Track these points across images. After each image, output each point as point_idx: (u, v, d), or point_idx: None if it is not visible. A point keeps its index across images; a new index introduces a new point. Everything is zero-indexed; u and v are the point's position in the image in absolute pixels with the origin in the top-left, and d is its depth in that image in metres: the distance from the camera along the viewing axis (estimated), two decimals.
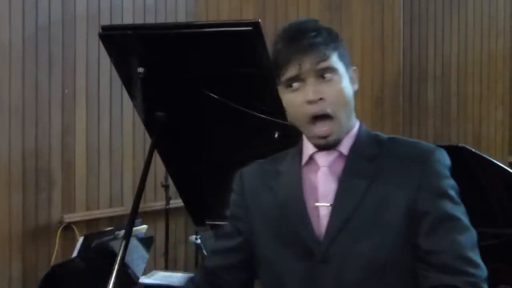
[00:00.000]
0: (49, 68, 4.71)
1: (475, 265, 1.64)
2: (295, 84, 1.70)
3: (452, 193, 1.70)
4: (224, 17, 6.07)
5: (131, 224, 2.52)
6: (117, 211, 5.10)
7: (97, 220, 4.97)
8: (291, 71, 1.68)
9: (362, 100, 6.01)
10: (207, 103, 2.65)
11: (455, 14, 7.48)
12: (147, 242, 3.23)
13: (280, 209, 1.80)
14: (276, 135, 2.53)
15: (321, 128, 1.68)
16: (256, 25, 2.41)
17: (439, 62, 7.02)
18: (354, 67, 1.80)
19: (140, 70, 2.58)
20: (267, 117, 2.62)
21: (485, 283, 1.64)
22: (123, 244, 2.47)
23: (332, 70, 1.69)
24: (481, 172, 2.90)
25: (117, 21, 5.00)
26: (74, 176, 4.85)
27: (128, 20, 5.21)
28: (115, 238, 2.86)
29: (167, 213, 5.06)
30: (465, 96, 7.34)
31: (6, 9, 4.47)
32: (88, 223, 4.90)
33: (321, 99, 1.67)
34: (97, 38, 4.75)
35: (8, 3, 4.49)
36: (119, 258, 2.41)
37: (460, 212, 1.69)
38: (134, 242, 2.95)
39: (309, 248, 1.72)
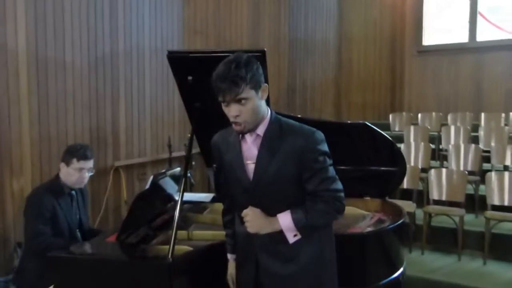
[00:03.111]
0: (104, 81, 4.28)
1: (335, 192, 1.62)
2: (224, 103, 1.56)
3: (321, 158, 1.59)
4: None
5: (186, 168, 2.20)
6: (143, 160, 4.58)
7: (132, 165, 4.48)
8: (219, 98, 1.55)
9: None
10: None
11: None
12: (178, 177, 2.86)
13: (230, 165, 1.68)
14: None
15: (237, 127, 1.58)
16: (263, 52, 2.06)
17: (301, 81, 6.76)
18: (265, 84, 1.59)
19: (189, 78, 2.19)
20: None
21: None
22: (183, 180, 2.14)
23: (245, 98, 1.52)
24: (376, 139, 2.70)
25: (139, 56, 4.52)
26: (119, 141, 4.41)
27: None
28: (165, 176, 2.49)
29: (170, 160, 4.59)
30: (313, 100, 7.13)
31: (77, 42, 3.99)
32: (128, 166, 4.43)
33: (238, 115, 1.54)
34: (131, 63, 4.38)
35: (78, 37, 4.01)
36: (182, 187, 2.08)
37: (326, 169, 1.61)
38: (167, 178, 2.60)
39: (245, 187, 1.64)
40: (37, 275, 2.36)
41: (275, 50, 5.61)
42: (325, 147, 1.60)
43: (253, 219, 1.59)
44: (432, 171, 4.15)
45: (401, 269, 2.50)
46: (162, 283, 1.75)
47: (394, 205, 2.87)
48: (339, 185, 1.62)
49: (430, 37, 7.56)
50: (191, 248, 2.08)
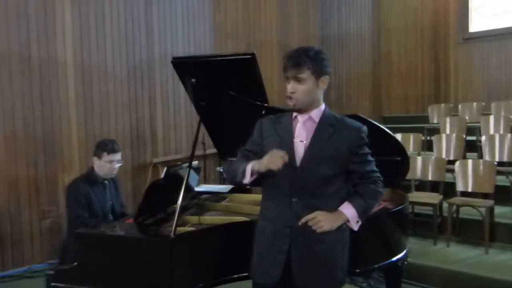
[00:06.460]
0: (142, 84, 4.73)
1: (377, 173, 1.87)
2: (287, 80, 1.77)
3: (366, 148, 1.84)
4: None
5: (191, 160, 2.47)
6: (179, 156, 4.96)
7: (169, 161, 4.91)
8: (284, 74, 1.78)
9: None
10: (227, 97, 2.57)
11: None
12: (197, 170, 3.19)
13: (279, 140, 1.82)
14: (263, 112, 2.46)
15: (290, 102, 1.78)
16: (253, 54, 2.32)
17: (336, 77, 6.80)
18: (326, 76, 1.79)
19: (193, 80, 2.48)
20: (258, 103, 2.53)
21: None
22: (188, 171, 2.41)
23: (303, 79, 1.73)
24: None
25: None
26: (157, 139, 4.87)
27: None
28: (181, 168, 2.81)
29: (204, 156, 4.94)
30: (349, 95, 7.14)
31: (117, 51, 4.49)
32: (166, 162, 4.82)
33: (293, 92, 1.75)
34: (166, 67, 4.81)
35: (118, 46, 4.50)
36: (186, 177, 2.36)
37: (369, 155, 1.86)
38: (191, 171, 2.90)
39: (290, 162, 1.74)
40: None
41: None
42: (366, 140, 1.84)
43: (324, 218, 1.74)
44: (458, 163, 4.13)
45: (400, 255, 2.63)
46: (163, 258, 2.06)
47: (401, 194, 2.99)
48: (375, 167, 1.87)
49: (477, 23, 7.29)
50: None
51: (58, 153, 4.06)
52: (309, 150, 1.77)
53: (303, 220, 1.75)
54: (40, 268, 3.84)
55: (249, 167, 1.78)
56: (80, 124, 4.21)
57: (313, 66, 1.72)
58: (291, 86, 1.75)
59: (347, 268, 1.89)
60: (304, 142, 1.78)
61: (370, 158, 1.85)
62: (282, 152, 1.71)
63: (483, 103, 6.18)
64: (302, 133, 1.80)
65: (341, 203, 1.81)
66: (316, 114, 1.80)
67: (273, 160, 1.70)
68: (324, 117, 1.81)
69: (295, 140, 1.79)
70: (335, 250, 1.81)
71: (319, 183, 1.76)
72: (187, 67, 2.48)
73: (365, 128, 1.83)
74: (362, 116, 2.76)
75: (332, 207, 1.79)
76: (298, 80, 1.73)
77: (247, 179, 1.80)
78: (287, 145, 1.79)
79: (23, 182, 3.88)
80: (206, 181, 4.99)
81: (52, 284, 2.17)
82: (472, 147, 5.28)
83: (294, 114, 1.84)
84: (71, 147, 4.15)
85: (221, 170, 4.79)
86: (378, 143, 2.91)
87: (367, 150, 1.83)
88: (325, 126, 1.79)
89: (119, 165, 3.05)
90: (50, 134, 4.02)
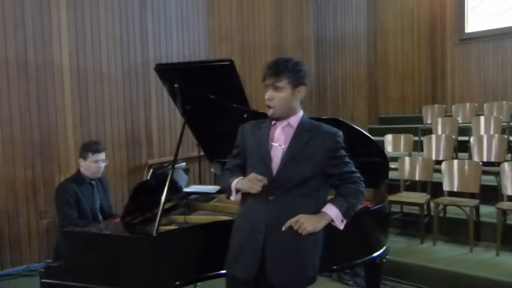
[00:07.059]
0: (137, 87, 4.82)
1: (356, 173, 1.94)
2: (266, 88, 1.88)
3: (342, 151, 1.92)
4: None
5: (174, 162, 2.57)
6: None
7: (164, 163, 5.06)
8: (263, 82, 1.88)
9: None
10: (210, 100, 2.67)
11: None
12: (186, 171, 3.30)
13: (257, 144, 1.93)
14: (245, 115, 2.57)
15: (268, 110, 1.89)
16: (231, 61, 2.43)
17: (332, 78, 6.89)
18: (303, 87, 1.90)
19: (176, 85, 2.60)
20: (239, 107, 2.64)
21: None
22: (170, 171, 2.51)
23: (280, 87, 1.84)
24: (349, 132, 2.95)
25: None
26: (152, 141, 4.97)
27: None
28: (168, 169, 2.92)
29: (199, 157, 5.06)
30: (345, 96, 7.22)
31: (112, 54, 4.60)
32: (161, 164, 5.01)
33: (270, 99, 1.85)
34: None
35: (113, 50, 4.60)
36: (169, 176, 2.46)
37: (346, 157, 1.94)
38: (180, 170, 3.02)
39: (267, 164, 1.87)
40: None
41: (298, 50, 5.89)
42: (343, 144, 1.94)
43: (306, 220, 1.79)
44: (444, 163, 4.22)
45: (379, 252, 2.73)
46: (145, 255, 2.18)
47: (382, 194, 3.10)
48: (355, 168, 1.96)
49: (473, 23, 7.36)
50: None
51: (54, 155, 4.21)
52: (287, 153, 1.86)
53: (287, 224, 1.81)
54: (38, 267, 3.94)
55: (233, 186, 1.92)
56: (76, 126, 4.35)
57: (290, 76, 1.83)
58: (269, 94, 1.86)
59: (319, 266, 1.95)
60: (283, 146, 1.88)
61: (347, 160, 1.92)
62: (260, 176, 1.83)
63: (476, 104, 6.26)
64: (280, 138, 1.90)
65: (317, 204, 1.88)
66: (294, 120, 1.91)
67: (252, 185, 1.84)
68: (301, 123, 1.91)
69: (274, 144, 1.89)
70: (308, 248, 1.88)
71: (296, 183, 1.84)
72: (170, 74, 2.58)
73: (340, 133, 1.92)
74: (342, 119, 2.87)
75: (308, 207, 1.86)
76: (276, 88, 1.84)
77: (233, 197, 1.96)
78: (264, 148, 1.90)
79: (21, 183, 4.01)
80: (200, 182, 5.11)
81: (42, 280, 2.30)
82: (464, 147, 5.37)
83: (274, 121, 1.94)
84: (67, 149, 4.30)
85: (213, 170, 4.93)
86: (359, 146, 3.06)
87: (343, 152, 1.91)
88: (302, 131, 1.88)
89: (105, 164, 3.19)
90: (46, 136, 4.15)
